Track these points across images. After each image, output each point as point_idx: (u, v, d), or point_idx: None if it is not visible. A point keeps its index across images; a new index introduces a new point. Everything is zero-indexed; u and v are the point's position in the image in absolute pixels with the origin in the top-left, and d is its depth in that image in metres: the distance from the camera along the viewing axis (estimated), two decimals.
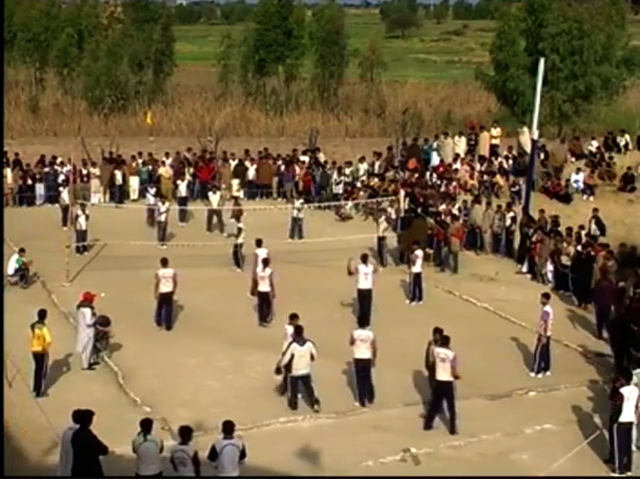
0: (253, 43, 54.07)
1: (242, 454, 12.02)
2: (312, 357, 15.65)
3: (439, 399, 15.25)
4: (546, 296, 18.28)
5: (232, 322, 20.18)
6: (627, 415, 13.87)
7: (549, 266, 23.72)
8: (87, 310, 17.45)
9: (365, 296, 20.37)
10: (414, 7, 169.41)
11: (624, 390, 13.91)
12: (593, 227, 25.76)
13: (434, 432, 15.18)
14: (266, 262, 20.06)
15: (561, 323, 19.98)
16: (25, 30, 56.56)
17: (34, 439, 14.29)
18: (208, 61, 63.43)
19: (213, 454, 11.90)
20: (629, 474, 13.94)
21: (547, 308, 17.83)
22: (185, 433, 11.95)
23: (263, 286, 20.03)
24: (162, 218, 26.75)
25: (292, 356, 15.49)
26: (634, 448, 14.18)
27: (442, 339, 15.32)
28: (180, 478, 11.91)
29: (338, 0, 63.40)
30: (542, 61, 27.49)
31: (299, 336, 15.64)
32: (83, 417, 12.07)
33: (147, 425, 12.03)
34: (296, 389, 15.90)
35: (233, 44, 55.39)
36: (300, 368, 15.60)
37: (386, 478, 13.81)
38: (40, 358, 16.18)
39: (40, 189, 31.83)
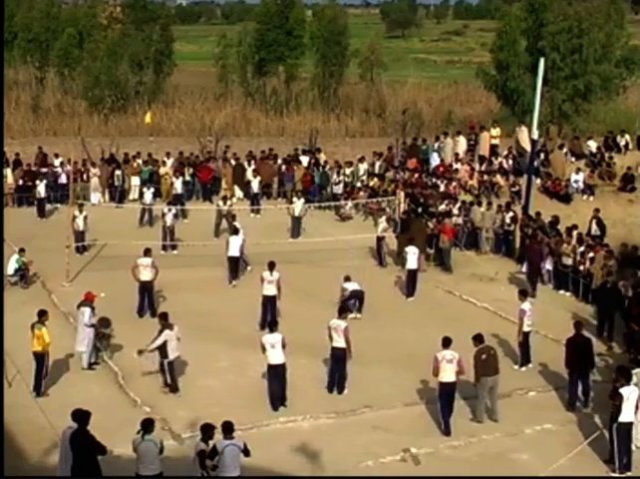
0: (254, 43, 54.08)
1: (247, 452, 12.06)
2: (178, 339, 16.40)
3: (452, 401, 15.22)
4: (523, 293, 18.50)
5: (232, 322, 20.16)
6: (627, 415, 13.88)
7: (549, 266, 23.72)
8: (87, 310, 17.46)
9: None
10: (414, 7, 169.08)
11: (624, 390, 13.91)
12: (594, 227, 25.75)
13: (434, 432, 15.19)
14: (272, 266, 19.84)
15: (561, 324, 19.93)
16: (25, 30, 56.82)
17: (34, 439, 14.31)
18: (208, 61, 63.43)
19: (214, 454, 11.90)
20: (629, 474, 13.96)
21: (523, 306, 18.03)
22: (204, 430, 12.04)
23: (270, 290, 19.83)
24: (169, 222, 26.36)
25: (165, 341, 16.05)
26: (634, 448, 14.20)
27: (445, 341, 15.31)
28: (180, 478, 11.93)
29: (338, 0, 63.42)
30: (542, 60, 27.49)
31: (167, 321, 16.25)
32: (81, 417, 12.07)
33: (146, 425, 12.06)
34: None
35: (230, 44, 55.39)
36: (174, 351, 16.22)
37: (386, 478, 13.82)
38: (40, 358, 16.19)
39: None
